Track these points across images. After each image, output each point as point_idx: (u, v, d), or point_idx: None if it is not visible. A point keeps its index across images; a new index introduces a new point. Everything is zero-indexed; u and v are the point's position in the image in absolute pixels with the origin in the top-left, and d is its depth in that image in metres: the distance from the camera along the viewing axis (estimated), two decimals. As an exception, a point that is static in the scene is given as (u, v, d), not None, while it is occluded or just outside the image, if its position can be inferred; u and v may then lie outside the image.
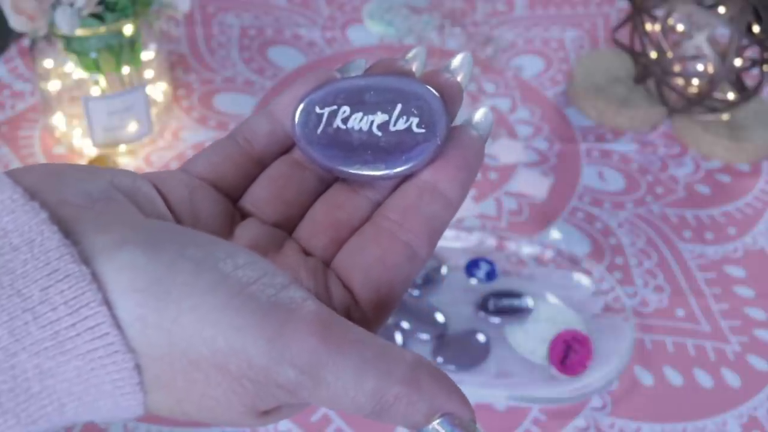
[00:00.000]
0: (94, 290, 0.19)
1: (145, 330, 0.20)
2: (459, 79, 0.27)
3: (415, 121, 0.26)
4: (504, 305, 0.61)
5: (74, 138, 0.73)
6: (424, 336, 0.59)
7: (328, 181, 0.28)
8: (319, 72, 0.28)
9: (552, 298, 0.62)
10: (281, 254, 0.25)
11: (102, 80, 0.70)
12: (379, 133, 0.26)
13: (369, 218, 0.26)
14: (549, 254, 0.65)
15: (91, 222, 0.21)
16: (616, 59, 0.86)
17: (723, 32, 0.79)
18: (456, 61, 0.28)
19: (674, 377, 0.59)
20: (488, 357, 0.58)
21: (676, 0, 0.76)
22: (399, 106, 0.26)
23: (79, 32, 0.65)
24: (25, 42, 0.85)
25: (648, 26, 0.78)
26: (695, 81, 0.79)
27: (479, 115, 0.27)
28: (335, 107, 0.26)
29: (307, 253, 0.26)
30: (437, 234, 0.25)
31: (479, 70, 0.87)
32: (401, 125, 0.26)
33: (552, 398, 0.56)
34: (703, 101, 0.77)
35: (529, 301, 0.61)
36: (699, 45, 0.76)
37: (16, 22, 0.63)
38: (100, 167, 0.24)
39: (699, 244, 0.70)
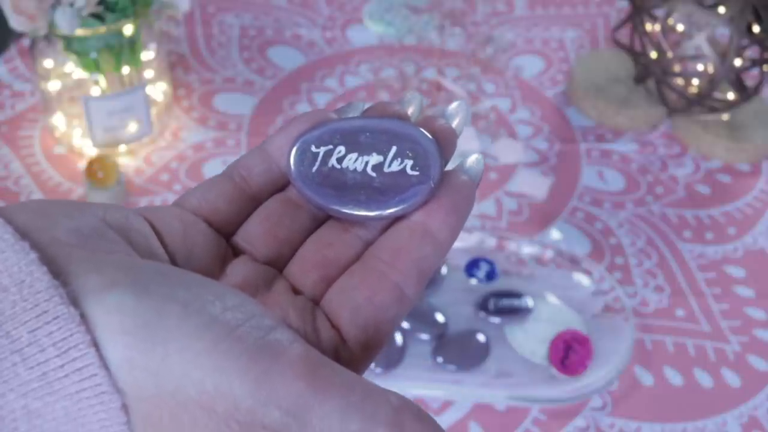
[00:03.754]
0: (82, 332, 0.20)
1: (133, 371, 0.20)
2: (454, 125, 0.28)
3: (409, 163, 0.26)
4: (504, 305, 0.61)
5: (74, 138, 0.73)
6: (424, 336, 0.59)
7: (321, 219, 0.28)
8: (316, 112, 0.28)
9: (552, 298, 0.62)
10: (271, 293, 0.25)
11: (102, 80, 0.70)
12: (374, 174, 0.26)
13: (359, 257, 0.26)
14: (549, 254, 0.65)
15: (81, 262, 0.21)
16: (616, 59, 0.86)
17: (723, 32, 0.79)
18: (452, 108, 0.29)
19: (674, 377, 0.59)
20: (488, 357, 0.58)
21: (676, 0, 0.76)
22: (394, 148, 0.26)
23: (79, 32, 0.65)
24: (25, 42, 0.85)
25: (648, 26, 0.78)
26: (695, 81, 0.79)
27: (471, 161, 0.27)
28: (331, 147, 0.26)
29: (296, 291, 0.26)
30: (426, 275, 0.26)
31: (479, 70, 0.87)
32: (395, 167, 0.26)
33: (552, 398, 0.56)
34: (703, 101, 0.77)
35: (529, 301, 0.61)
36: (699, 45, 0.76)
37: (16, 22, 0.63)
38: (91, 203, 0.24)
39: (699, 244, 0.70)
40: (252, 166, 0.28)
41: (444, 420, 0.56)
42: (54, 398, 0.20)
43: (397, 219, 0.26)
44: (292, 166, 0.27)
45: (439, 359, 0.57)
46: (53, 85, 0.72)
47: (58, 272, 0.20)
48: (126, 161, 0.73)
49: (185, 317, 0.20)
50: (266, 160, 0.28)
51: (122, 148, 0.73)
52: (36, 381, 0.19)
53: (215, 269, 0.26)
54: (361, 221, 0.27)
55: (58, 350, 0.19)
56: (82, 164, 0.72)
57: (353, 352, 0.24)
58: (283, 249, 0.27)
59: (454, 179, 0.27)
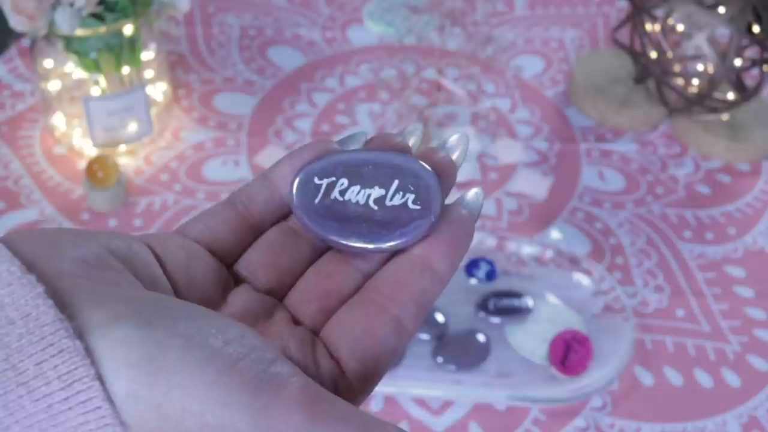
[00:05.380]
0: (87, 365, 0.20)
1: (137, 405, 0.20)
2: (454, 157, 0.28)
3: (411, 197, 0.26)
4: (504, 305, 0.61)
5: (74, 138, 0.73)
6: (424, 336, 0.59)
7: (322, 249, 0.28)
8: (319, 143, 0.28)
9: (552, 298, 0.62)
10: (271, 322, 0.26)
11: (102, 80, 0.70)
12: (376, 207, 0.27)
13: (359, 288, 0.27)
14: (549, 254, 0.65)
15: (86, 295, 0.21)
16: (616, 59, 0.86)
17: (723, 32, 0.79)
18: (452, 140, 0.29)
19: (674, 377, 0.59)
20: (488, 357, 0.58)
21: (676, 0, 0.76)
22: (396, 182, 0.27)
23: (79, 32, 0.65)
24: (25, 42, 0.85)
25: (648, 26, 0.78)
26: (695, 81, 0.79)
27: (470, 195, 0.28)
28: (334, 179, 0.27)
29: (296, 321, 0.26)
30: (425, 308, 0.26)
31: (479, 70, 0.87)
32: (397, 200, 0.26)
33: (552, 398, 0.56)
34: (703, 101, 0.77)
35: (529, 301, 0.61)
36: (699, 45, 0.76)
37: (16, 22, 0.63)
38: (96, 232, 0.24)
39: (699, 244, 0.70)
40: (254, 194, 0.28)
41: (444, 420, 0.56)
42: (58, 431, 0.20)
43: (397, 252, 0.27)
44: (295, 197, 0.27)
45: (439, 359, 0.57)
46: (53, 85, 0.72)
47: (63, 305, 0.21)
48: (126, 161, 0.73)
49: (187, 351, 0.21)
50: (269, 188, 0.28)
51: (122, 148, 0.73)
52: (41, 413, 0.20)
53: (216, 297, 0.26)
54: (362, 253, 0.27)
55: (63, 383, 0.20)
56: (82, 164, 0.72)
57: (352, 384, 0.24)
58: (283, 278, 0.27)
59: (454, 213, 0.27)
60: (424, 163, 0.27)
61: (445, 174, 0.27)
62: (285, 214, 0.28)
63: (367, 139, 0.29)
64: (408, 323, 0.25)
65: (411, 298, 0.26)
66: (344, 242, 0.26)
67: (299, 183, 0.27)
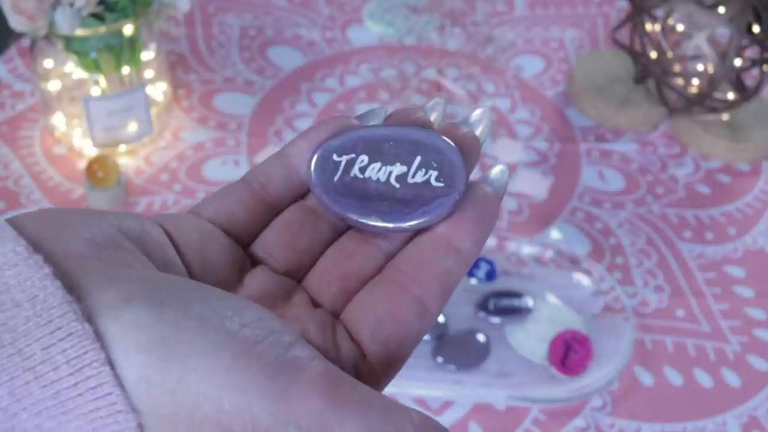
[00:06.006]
0: (97, 349, 0.19)
1: (149, 390, 0.20)
2: (477, 133, 0.27)
3: (434, 174, 0.25)
4: (504, 305, 0.61)
5: (74, 138, 0.73)
6: (424, 336, 0.59)
7: (341, 229, 0.27)
8: (337, 119, 0.27)
9: (552, 298, 0.62)
10: (290, 305, 0.25)
11: (102, 80, 0.70)
12: (397, 185, 0.26)
13: (380, 269, 0.26)
14: (549, 254, 0.65)
15: (96, 276, 0.20)
16: (616, 59, 0.86)
17: (723, 32, 0.79)
18: (475, 114, 0.28)
19: (674, 377, 0.59)
20: (488, 357, 0.58)
21: (676, 0, 0.76)
22: (418, 159, 0.26)
23: (79, 32, 0.65)
24: (25, 42, 0.85)
25: (648, 26, 0.78)
26: (695, 81, 0.79)
27: (495, 172, 0.27)
28: (353, 155, 0.26)
29: (315, 304, 0.25)
30: (449, 290, 0.25)
31: (479, 70, 0.87)
32: (420, 178, 0.25)
33: (552, 398, 0.56)
34: (703, 101, 0.77)
35: (529, 301, 0.61)
36: (699, 45, 0.76)
37: (16, 22, 0.63)
38: (107, 212, 0.24)
39: (699, 244, 0.70)
40: (271, 172, 0.27)
41: (444, 420, 0.56)
42: (67, 417, 0.19)
43: (419, 231, 0.26)
44: (313, 175, 0.26)
45: (439, 359, 0.57)
46: (53, 85, 0.72)
47: (72, 287, 0.20)
48: (126, 161, 0.73)
49: (202, 333, 0.20)
50: (286, 166, 0.27)
51: (122, 148, 0.73)
52: (49, 400, 0.19)
53: (233, 279, 0.25)
54: (384, 233, 0.26)
55: (71, 368, 0.19)
56: (82, 164, 0.72)
57: (374, 368, 0.24)
58: (302, 259, 0.26)
59: (479, 191, 0.26)
60: (447, 139, 0.26)
61: (468, 150, 0.26)
62: (303, 193, 0.27)
63: (387, 115, 0.28)
64: (431, 305, 0.25)
65: (435, 279, 0.25)
66: (365, 221, 0.26)
67: (317, 160, 0.26)
